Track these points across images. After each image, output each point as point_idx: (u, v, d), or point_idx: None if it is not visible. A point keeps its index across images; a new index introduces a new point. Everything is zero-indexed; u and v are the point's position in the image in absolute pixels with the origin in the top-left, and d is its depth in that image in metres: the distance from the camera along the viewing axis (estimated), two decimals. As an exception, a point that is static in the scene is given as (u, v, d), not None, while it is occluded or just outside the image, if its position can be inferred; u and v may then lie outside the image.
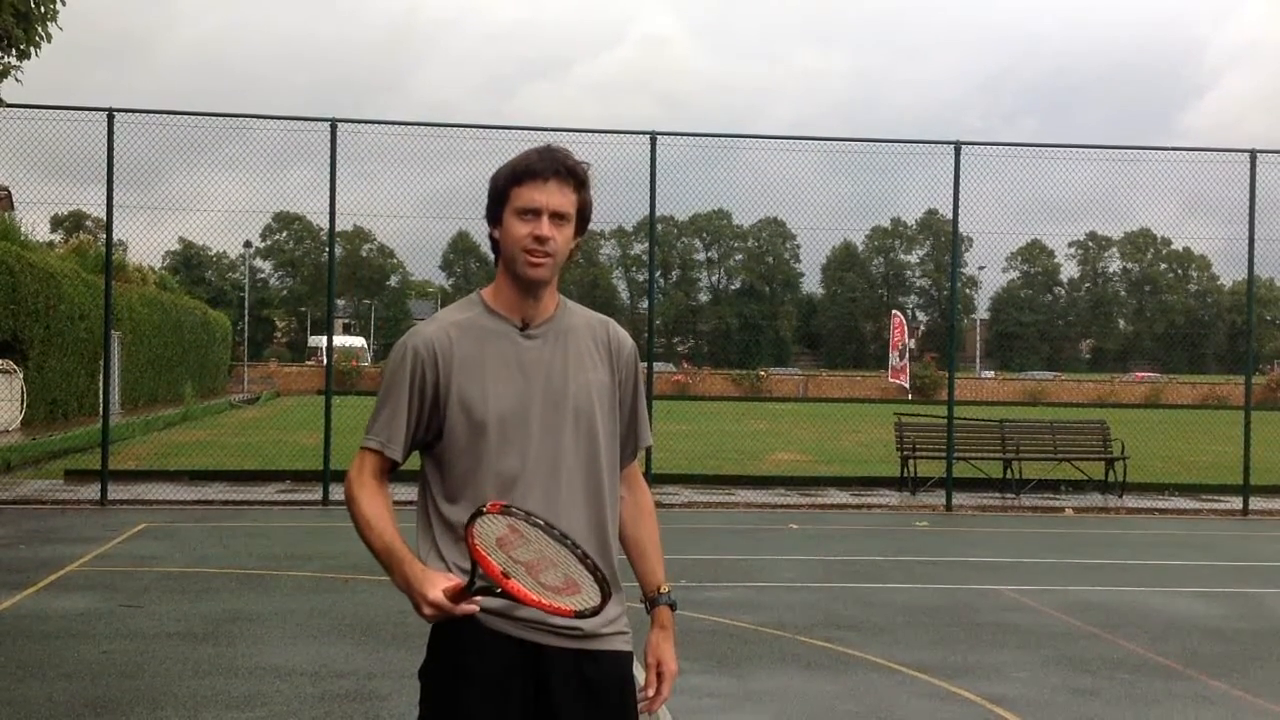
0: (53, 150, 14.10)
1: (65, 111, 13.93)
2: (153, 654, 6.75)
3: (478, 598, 2.35)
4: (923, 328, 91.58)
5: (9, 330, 21.85)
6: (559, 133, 14.70)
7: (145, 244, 77.57)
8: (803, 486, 16.44)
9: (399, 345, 2.62)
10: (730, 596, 8.80)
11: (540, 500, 2.53)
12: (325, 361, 15.47)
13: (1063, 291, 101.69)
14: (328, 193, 13.98)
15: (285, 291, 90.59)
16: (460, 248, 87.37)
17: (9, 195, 24.44)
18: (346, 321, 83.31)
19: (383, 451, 2.58)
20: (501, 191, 2.59)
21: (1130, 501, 15.68)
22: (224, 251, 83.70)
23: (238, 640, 7.11)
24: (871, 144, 16.77)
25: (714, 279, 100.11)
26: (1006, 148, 16.57)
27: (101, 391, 16.47)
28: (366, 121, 15.14)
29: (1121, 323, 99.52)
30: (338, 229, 14.86)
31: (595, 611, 2.34)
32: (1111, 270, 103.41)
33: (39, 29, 9.95)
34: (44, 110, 13.76)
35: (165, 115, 14.40)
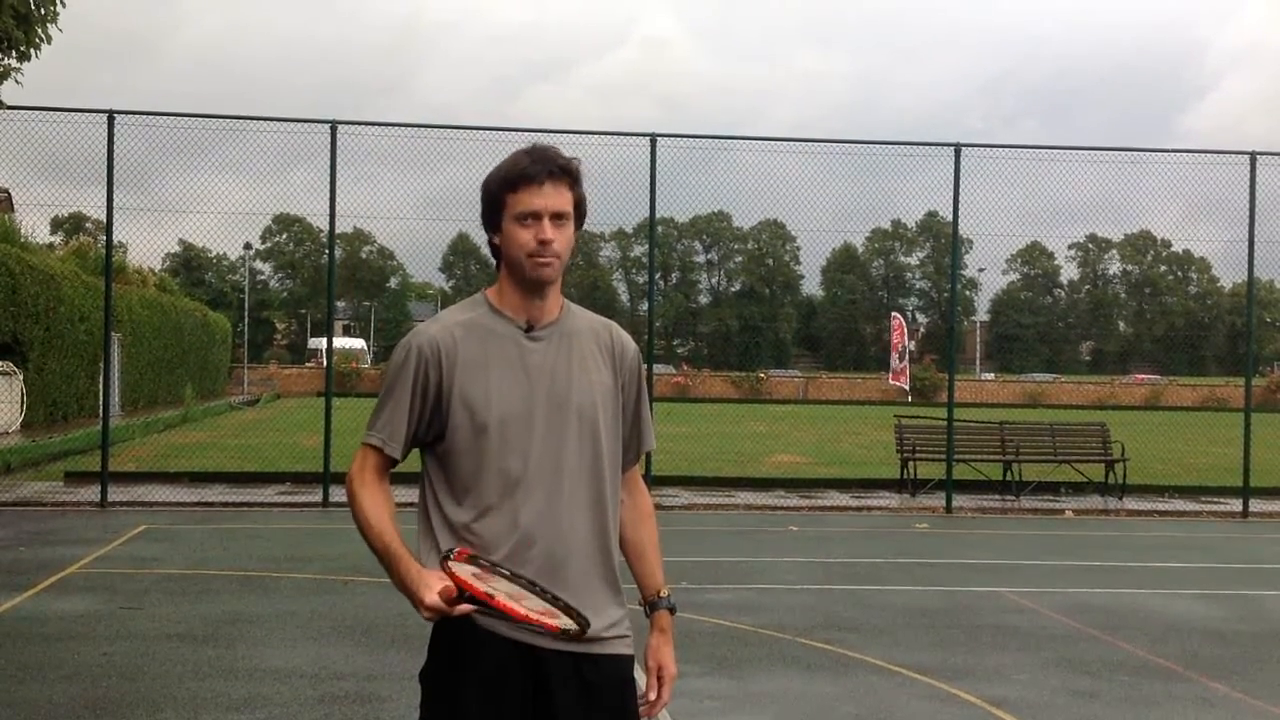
0: (53, 152, 14.11)
1: (65, 113, 13.94)
2: (153, 656, 6.75)
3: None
4: (923, 330, 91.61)
5: (9, 332, 21.85)
6: (558, 134, 14.70)
7: (145, 246, 77.95)
8: (803, 488, 16.44)
9: (402, 344, 2.62)
10: (730, 598, 8.80)
11: (542, 502, 2.53)
12: (325, 363, 15.47)
13: (1063, 293, 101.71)
14: (328, 194, 13.99)
15: (285, 293, 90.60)
16: (460, 249, 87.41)
17: (9, 197, 24.45)
18: (346, 323, 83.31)
19: (383, 449, 2.58)
20: (497, 198, 2.58)
21: (1130, 503, 15.67)
22: (224, 253, 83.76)
23: (238, 642, 7.11)
24: (871, 146, 16.75)
25: (714, 281, 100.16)
26: (1007, 150, 16.59)
27: (101, 393, 16.50)
28: (366, 124, 15.15)
29: (1121, 325, 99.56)
30: (338, 231, 14.86)
31: (580, 634, 2.39)
32: (1111, 272, 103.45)
33: (39, 31, 9.94)
34: (44, 112, 13.77)
35: (165, 117, 14.43)
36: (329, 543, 11.16)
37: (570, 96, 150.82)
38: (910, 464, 16.13)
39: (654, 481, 14.10)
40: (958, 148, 14.93)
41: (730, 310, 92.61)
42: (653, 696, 2.68)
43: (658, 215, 15.25)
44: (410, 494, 2.63)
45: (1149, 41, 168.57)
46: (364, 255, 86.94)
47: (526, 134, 14.95)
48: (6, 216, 25.12)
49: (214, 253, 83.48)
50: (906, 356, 53.60)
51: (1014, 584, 9.70)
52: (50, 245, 38.08)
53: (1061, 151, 17.28)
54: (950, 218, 15.39)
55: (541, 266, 2.55)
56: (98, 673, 6.38)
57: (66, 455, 18.18)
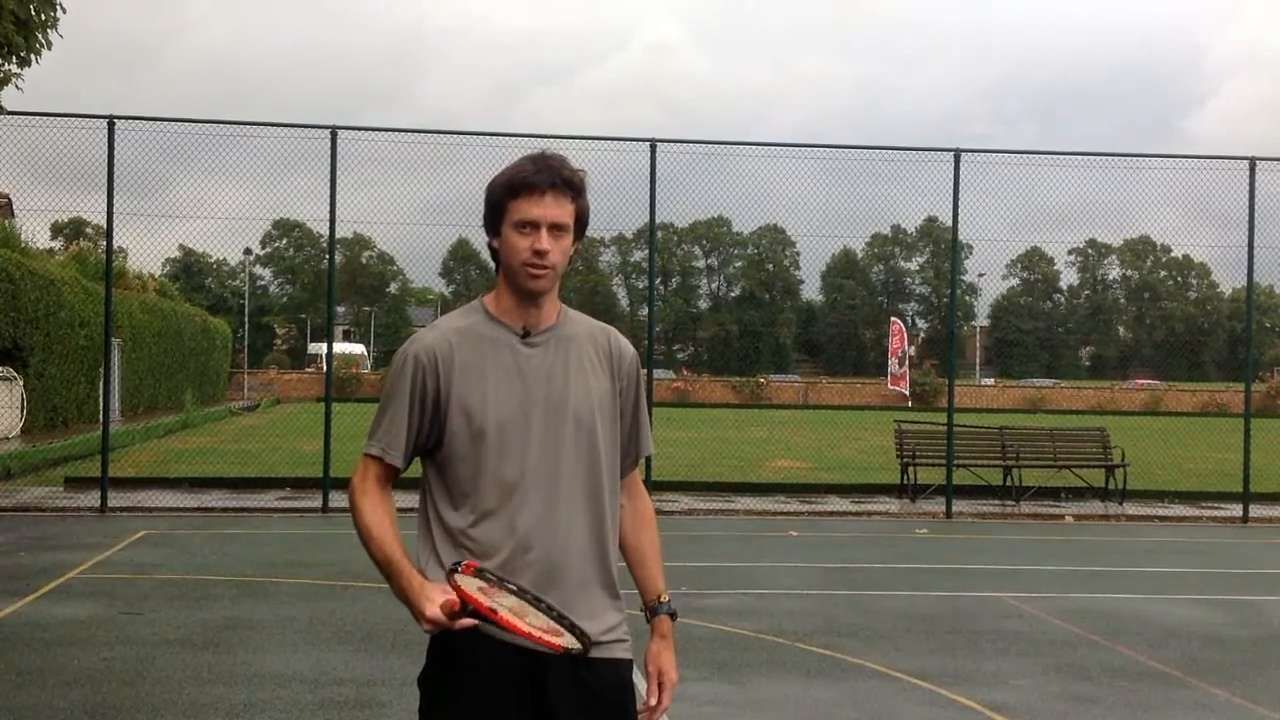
0: (53, 157, 14.12)
1: (66, 119, 13.95)
2: (153, 661, 6.75)
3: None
4: (922, 335, 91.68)
5: (9, 337, 21.86)
6: (559, 140, 14.72)
7: (145, 251, 77.94)
8: (802, 493, 16.45)
9: (400, 353, 2.63)
10: (730, 603, 8.80)
11: (539, 507, 2.54)
12: (325, 368, 15.47)
13: (1062, 298, 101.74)
14: (328, 200, 13.99)
15: (285, 298, 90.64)
16: (460, 254, 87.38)
17: (9, 202, 24.44)
18: (346, 328, 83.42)
19: (383, 458, 2.59)
20: (498, 204, 2.59)
21: (1130, 509, 15.67)
22: (224, 258, 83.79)
23: (237, 648, 7.11)
24: (871, 151, 16.75)
25: (714, 286, 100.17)
26: (1006, 155, 16.61)
27: (101, 398, 16.48)
28: (367, 129, 15.15)
29: (1121, 330, 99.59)
30: (338, 236, 14.87)
31: (583, 652, 2.43)
32: (1111, 277, 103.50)
33: (39, 36, 9.94)
34: (44, 117, 13.77)
35: (166, 123, 14.44)
36: (329, 548, 11.15)
37: (574, 102, 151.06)
38: (910, 469, 16.13)
39: (654, 486, 14.09)
40: (957, 153, 14.93)
41: (730, 315, 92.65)
42: (653, 702, 2.68)
43: (658, 220, 15.27)
44: (412, 500, 2.64)
45: (1149, 47, 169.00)
46: (364, 260, 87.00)
47: (525, 139, 15.01)
48: (7, 222, 25.13)
49: (214, 258, 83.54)
50: (906, 361, 53.66)
51: (1014, 589, 9.70)
52: (50, 250, 38.13)
53: (1061, 156, 17.28)
54: (950, 223, 15.39)
55: (535, 277, 2.56)
56: (98, 678, 6.38)
57: (66, 460, 18.18)
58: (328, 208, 14.02)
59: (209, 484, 15.74)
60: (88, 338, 25.76)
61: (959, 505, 14.99)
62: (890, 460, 16.94)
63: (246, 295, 65.74)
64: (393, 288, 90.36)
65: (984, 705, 6.20)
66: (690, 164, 16.79)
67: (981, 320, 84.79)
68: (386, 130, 16.08)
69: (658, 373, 48.69)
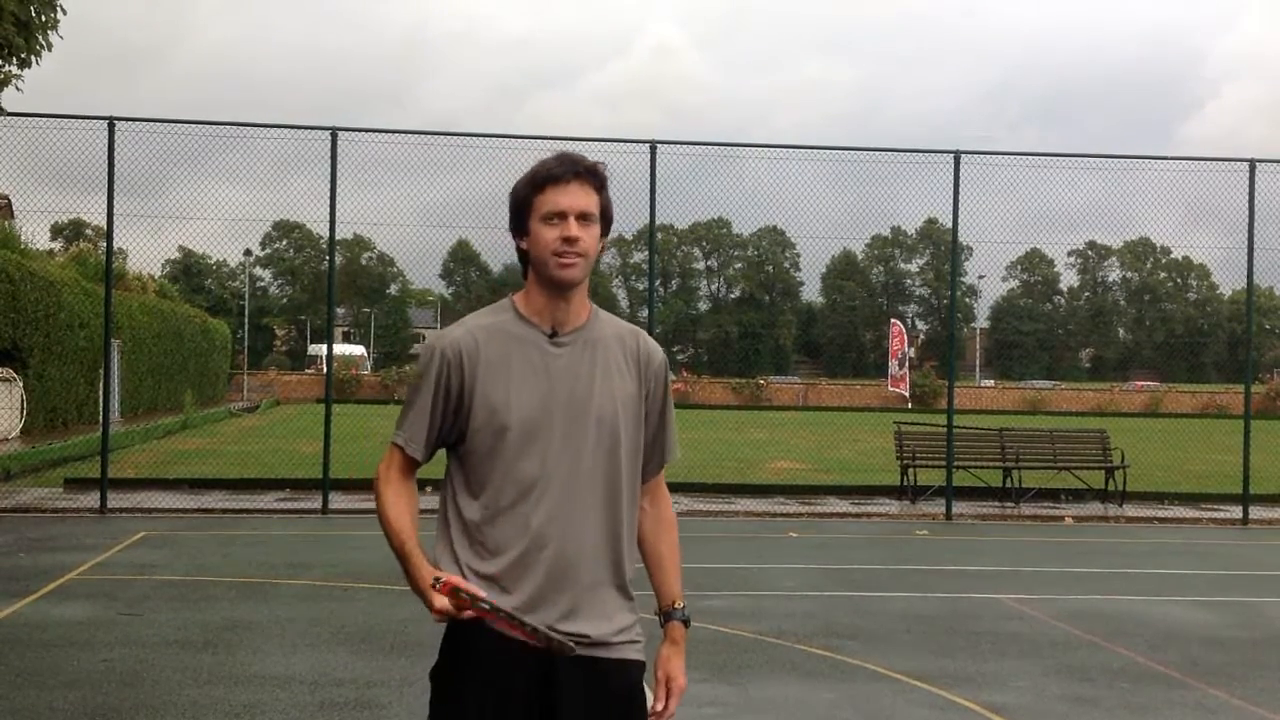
0: (53, 158, 14.12)
1: (66, 120, 13.96)
2: (152, 662, 6.75)
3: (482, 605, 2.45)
4: (922, 336, 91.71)
5: (9, 338, 21.86)
6: (559, 141, 14.72)
7: (145, 252, 77.65)
8: (802, 495, 16.44)
9: (426, 347, 2.67)
10: (730, 605, 8.80)
11: (556, 506, 2.55)
12: (325, 370, 15.47)
13: (1062, 300, 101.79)
14: (328, 201, 13.99)
15: (285, 300, 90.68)
16: (460, 256, 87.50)
17: (9, 203, 24.45)
18: (346, 330, 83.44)
19: (405, 449, 2.63)
20: (524, 201, 2.62)
21: (1130, 510, 15.67)
22: (224, 260, 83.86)
23: (237, 649, 7.11)
24: (871, 153, 16.75)
25: (714, 287, 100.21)
26: (1006, 157, 16.61)
27: (101, 399, 16.49)
28: (367, 130, 15.15)
29: (1121, 331, 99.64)
30: (338, 237, 14.87)
31: (564, 650, 2.49)
32: (1111, 279, 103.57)
33: (39, 38, 9.95)
34: (45, 119, 13.77)
35: (166, 124, 14.44)
36: (328, 549, 11.16)
37: (576, 105, 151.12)
38: (910, 470, 16.13)
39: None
40: (957, 154, 14.93)
41: (730, 317, 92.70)
42: (660, 708, 2.68)
43: (658, 222, 15.26)
44: (435, 501, 2.67)
45: (1149, 50, 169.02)
46: (364, 262, 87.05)
47: (525, 141, 15.03)
48: (6, 223, 25.13)
49: (214, 259, 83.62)
50: (906, 363, 53.65)
51: (1014, 590, 9.70)
52: (50, 252, 38.13)
53: (1061, 159, 17.28)
54: (950, 224, 15.39)
55: (567, 265, 2.57)
56: (97, 679, 6.38)
57: (66, 461, 18.18)
58: (328, 209, 14.03)
59: (209, 485, 15.74)
60: (87, 339, 25.75)
61: (959, 507, 14.99)
62: (890, 462, 16.93)
63: (246, 296, 65.75)
64: (393, 289, 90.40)
65: (984, 707, 6.20)
66: (690, 166, 16.76)
67: (981, 322, 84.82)
68: (387, 132, 16.10)
69: (657, 374, 48.46)
